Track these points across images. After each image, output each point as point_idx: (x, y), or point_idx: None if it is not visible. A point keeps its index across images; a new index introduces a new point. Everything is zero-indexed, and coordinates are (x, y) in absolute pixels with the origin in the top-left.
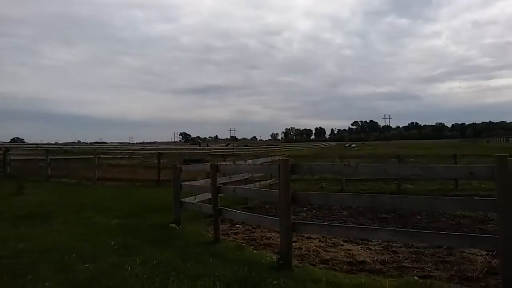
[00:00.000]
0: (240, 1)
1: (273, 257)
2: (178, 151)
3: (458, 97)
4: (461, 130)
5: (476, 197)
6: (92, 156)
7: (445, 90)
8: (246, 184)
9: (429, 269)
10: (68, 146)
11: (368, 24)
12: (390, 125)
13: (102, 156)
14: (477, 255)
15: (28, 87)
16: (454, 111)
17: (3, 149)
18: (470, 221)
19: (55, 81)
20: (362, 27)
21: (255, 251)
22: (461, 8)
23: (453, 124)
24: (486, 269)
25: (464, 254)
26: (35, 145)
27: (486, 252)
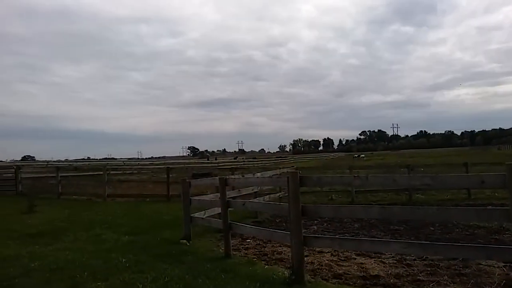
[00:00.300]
0: (244, 14)
1: (285, 272)
2: (186, 165)
3: (466, 104)
4: (471, 138)
5: (489, 207)
6: (101, 173)
7: (452, 97)
8: (256, 198)
9: (445, 282)
10: (78, 162)
11: (372, 33)
12: (398, 134)
13: (111, 172)
14: (494, 267)
15: (38, 105)
16: (463, 119)
17: (15, 167)
18: (485, 232)
19: (64, 98)
20: (367, 36)
21: (266, 266)
22: (465, 15)
23: (462, 132)
24: (504, 281)
25: (481, 266)
26: (45, 163)
27: (503, 264)
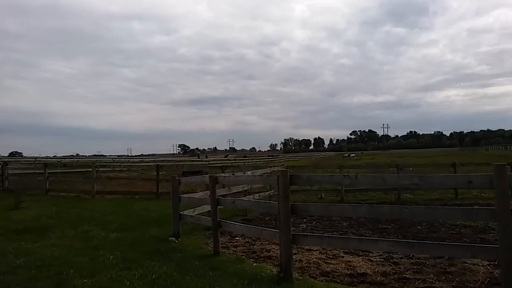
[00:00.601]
0: (237, 12)
1: (273, 270)
2: (176, 163)
3: (456, 105)
4: (460, 139)
5: (476, 206)
6: (90, 169)
7: (442, 98)
8: (246, 196)
9: (430, 280)
10: (67, 159)
11: (364, 33)
12: (388, 134)
13: (100, 169)
14: (478, 265)
15: (27, 101)
16: (452, 120)
17: (1, 163)
18: (470, 231)
19: (54, 94)
20: (359, 36)
21: (255, 264)
22: (456, 17)
23: (451, 133)
24: (488, 279)
25: (466, 264)
26: (33, 159)
27: (487, 262)
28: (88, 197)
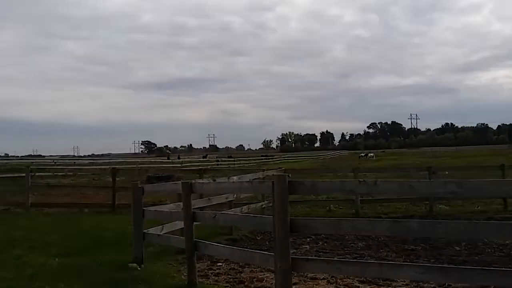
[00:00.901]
0: None
1: None
2: (139, 165)
3: (505, 90)
4: (510, 133)
5: None
6: (24, 174)
7: (488, 81)
8: (231, 209)
9: None
10: None
11: None
12: (418, 127)
13: (37, 174)
14: None
15: None
16: (501, 109)
17: None
18: None
19: None
20: (379, 0)
21: None
22: None
23: (499, 125)
24: None
25: None
26: None
27: None
28: (21, 210)
